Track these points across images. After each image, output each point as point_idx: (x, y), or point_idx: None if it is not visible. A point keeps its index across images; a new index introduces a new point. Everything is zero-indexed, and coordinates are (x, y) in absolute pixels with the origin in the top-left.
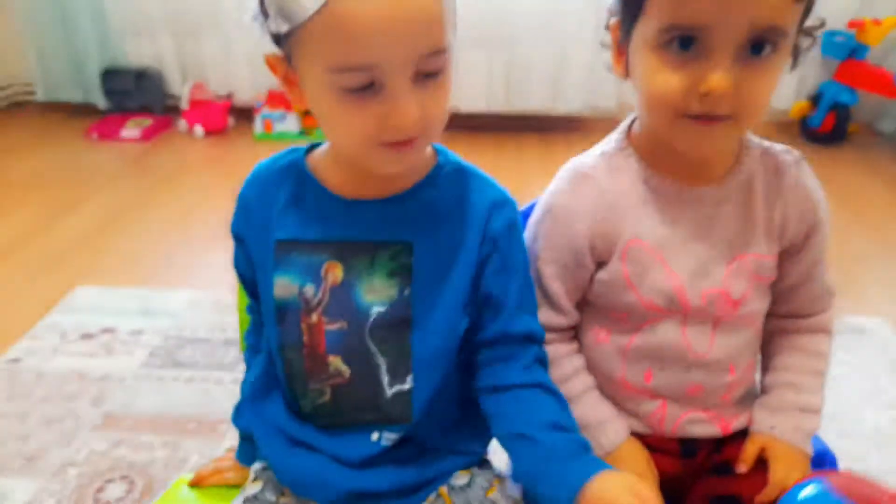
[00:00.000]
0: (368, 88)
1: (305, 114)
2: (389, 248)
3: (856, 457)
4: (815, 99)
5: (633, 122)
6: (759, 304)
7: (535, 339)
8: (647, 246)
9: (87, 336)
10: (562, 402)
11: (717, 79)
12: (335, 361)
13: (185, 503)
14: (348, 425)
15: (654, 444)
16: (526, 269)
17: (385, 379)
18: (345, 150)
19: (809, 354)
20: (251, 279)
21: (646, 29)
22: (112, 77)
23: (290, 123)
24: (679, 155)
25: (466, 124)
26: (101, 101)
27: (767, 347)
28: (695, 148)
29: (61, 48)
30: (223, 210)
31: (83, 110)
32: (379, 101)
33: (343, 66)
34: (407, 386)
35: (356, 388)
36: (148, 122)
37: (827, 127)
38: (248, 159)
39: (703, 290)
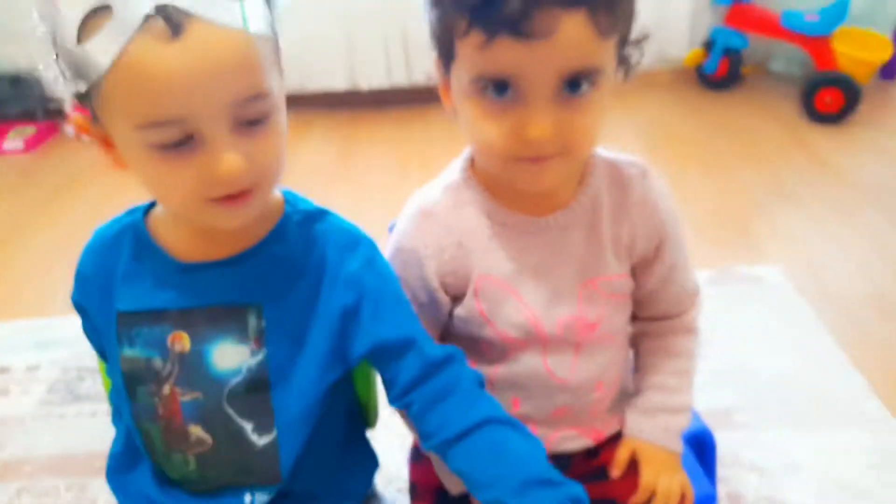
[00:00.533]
0: (185, 143)
1: None
2: (237, 311)
3: (757, 405)
4: (708, 45)
5: (470, 158)
6: (618, 319)
7: (457, 358)
8: (497, 281)
9: None
10: (522, 432)
11: (536, 127)
12: (195, 431)
13: None
14: (219, 489)
15: None
16: (405, 298)
17: (253, 438)
18: (174, 210)
19: (674, 355)
20: (101, 348)
21: (460, 74)
22: None
23: None
24: (518, 188)
25: (370, 101)
26: None
27: (637, 347)
28: (532, 185)
29: None
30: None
31: None
32: (198, 156)
33: (148, 121)
34: (275, 447)
35: (221, 454)
36: (31, 130)
37: (721, 72)
38: None
39: (559, 319)
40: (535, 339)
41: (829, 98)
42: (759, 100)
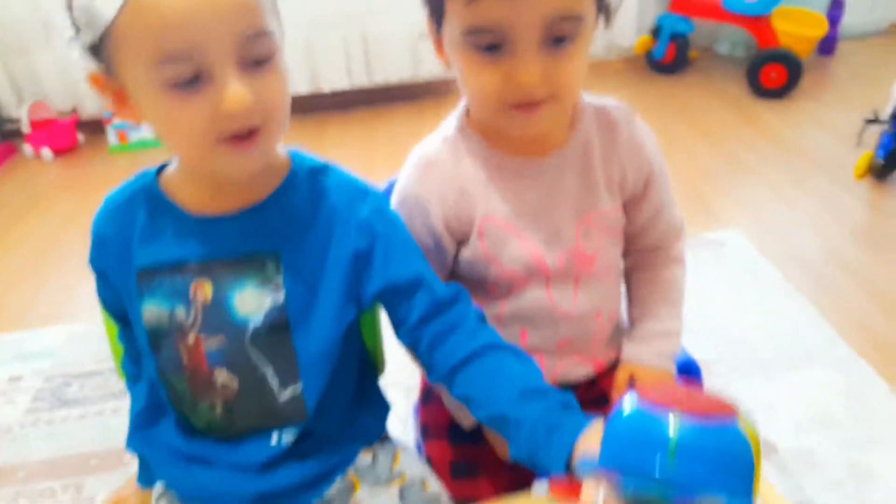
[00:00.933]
0: (195, 82)
1: None
2: (255, 260)
3: (730, 358)
4: (656, 32)
5: (465, 109)
6: (612, 254)
7: (463, 296)
8: (499, 221)
9: None
10: (518, 355)
11: (526, 73)
12: (221, 376)
13: None
14: (245, 434)
15: None
16: (413, 241)
17: (274, 383)
18: (186, 157)
19: (664, 285)
20: (120, 309)
21: (452, 30)
22: None
23: (146, 131)
24: (513, 134)
25: (335, 104)
26: None
27: (629, 282)
28: (524, 130)
29: None
30: (90, 233)
31: None
32: (208, 92)
33: (162, 56)
34: (298, 387)
35: (247, 398)
36: None
37: (670, 57)
38: (107, 175)
39: (559, 253)
40: (538, 274)
41: (774, 73)
42: (708, 81)
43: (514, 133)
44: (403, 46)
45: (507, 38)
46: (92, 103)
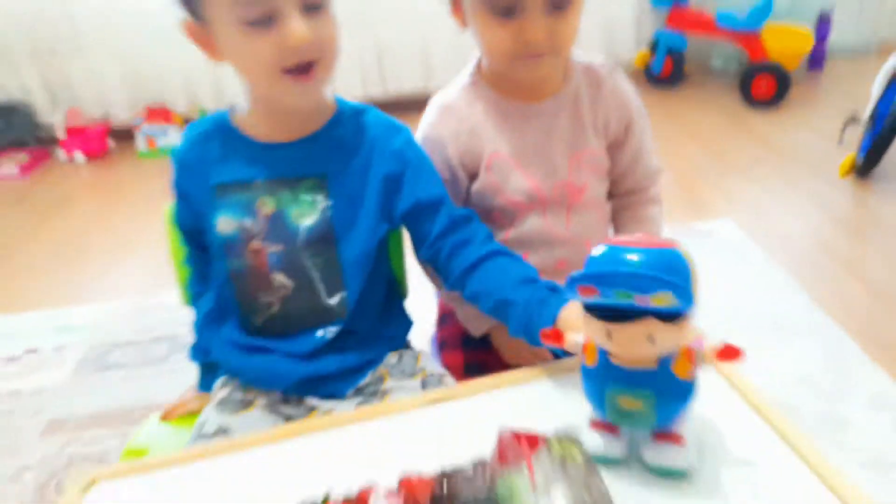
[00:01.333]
0: (266, 22)
1: (185, 125)
2: (308, 180)
3: (721, 333)
4: (653, 47)
5: (480, 58)
6: (599, 190)
7: (475, 217)
8: (504, 157)
9: (11, 359)
10: (517, 258)
11: (533, 32)
12: (279, 277)
13: (157, 435)
14: (295, 330)
15: None
16: (435, 170)
17: (321, 287)
18: (256, 88)
19: (644, 221)
20: (193, 228)
21: None
22: None
23: (173, 137)
24: (520, 81)
25: None
26: None
27: (615, 223)
28: (529, 75)
29: None
30: (119, 230)
31: None
32: (276, 30)
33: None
34: (341, 292)
35: (299, 298)
36: (24, 157)
37: (667, 72)
38: (135, 179)
39: (554, 184)
40: (536, 203)
41: (764, 85)
42: (703, 94)
43: (520, 78)
44: (414, 57)
45: (518, 4)
46: (122, 111)
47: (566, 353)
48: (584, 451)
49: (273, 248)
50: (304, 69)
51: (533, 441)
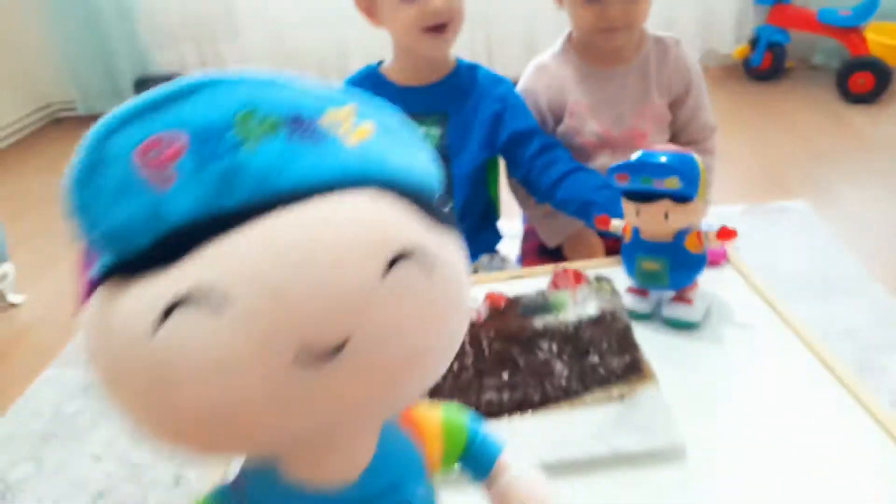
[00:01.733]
0: None
1: None
2: (434, 115)
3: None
4: (754, 42)
5: (570, 32)
6: (659, 138)
7: (560, 144)
8: (583, 106)
9: None
10: (594, 172)
11: (614, 12)
12: None
13: None
14: None
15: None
16: (529, 110)
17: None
18: (401, 41)
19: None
20: None
21: None
22: (146, 86)
23: None
24: (600, 49)
25: None
26: None
27: None
28: (606, 45)
29: (95, 62)
30: None
31: None
32: (421, 2)
33: None
34: (449, 199)
35: None
36: None
37: (766, 65)
38: None
39: (622, 131)
40: (606, 144)
41: (863, 80)
42: (801, 89)
43: (600, 47)
44: (522, 51)
45: None
46: None
47: (613, 235)
48: (613, 287)
49: None
50: (439, 29)
51: (578, 277)
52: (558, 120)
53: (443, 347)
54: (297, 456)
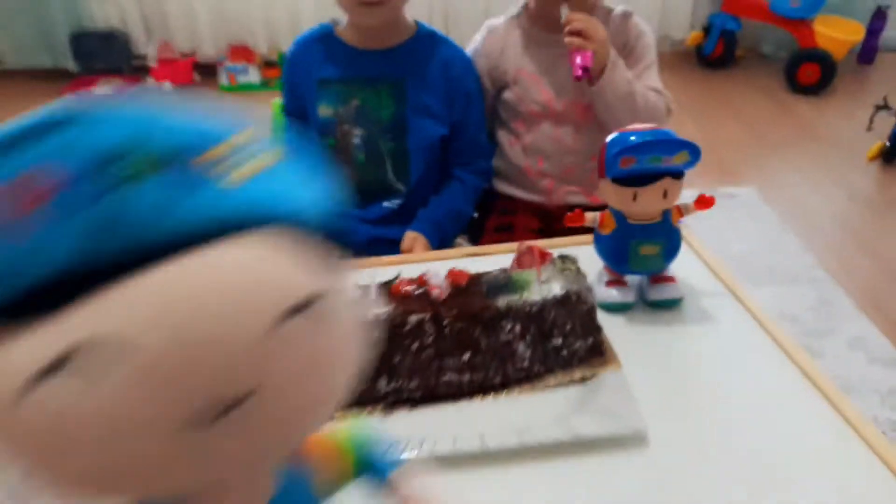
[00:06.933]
0: None
1: (264, 65)
2: (390, 82)
3: None
4: (707, 29)
5: (528, 1)
6: None
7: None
8: (527, 73)
9: None
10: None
11: None
12: (360, 156)
13: None
14: (367, 200)
15: (548, 209)
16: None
17: (390, 168)
18: (344, 10)
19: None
20: (298, 115)
21: None
22: (81, 40)
23: (252, 76)
24: (554, 19)
25: None
26: (70, 65)
27: None
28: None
29: (26, 13)
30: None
31: (53, 74)
32: None
33: None
34: (406, 171)
35: (372, 176)
36: (118, 82)
37: (718, 52)
38: None
39: (564, 99)
40: (550, 114)
41: (810, 71)
42: (750, 77)
43: (555, 16)
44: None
45: None
46: (208, 48)
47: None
48: (578, 267)
49: (357, 132)
50: (374, 3)
51: (543, 255)
52: (497, 85)
53: (337, 393)
54: (196, 499)
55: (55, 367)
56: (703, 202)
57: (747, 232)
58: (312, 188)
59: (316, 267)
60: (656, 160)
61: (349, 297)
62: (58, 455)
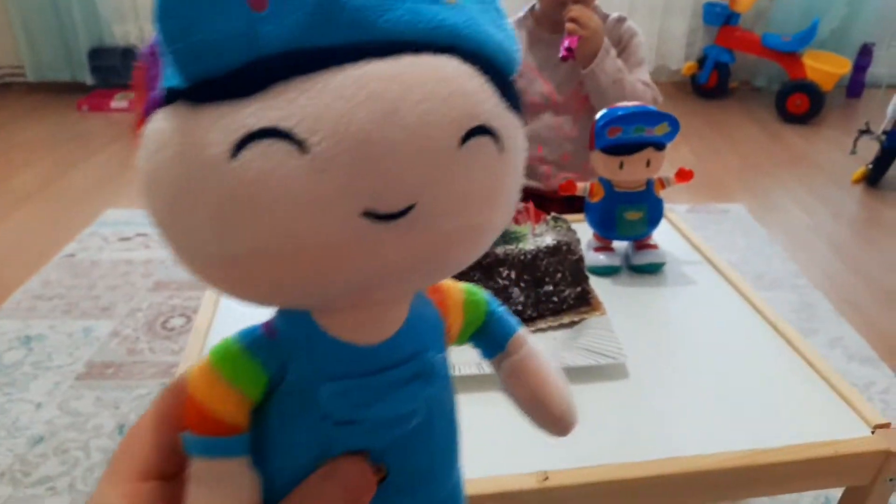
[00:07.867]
0: None
1: None
2: None
3: None
4: (702, 60)
5: (535, 4)
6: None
7: None
8: (530, 67)
9: (125, 238)
10: None
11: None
12: None
13: None
14: None
15: (545, 194)
16: None
17: None
18: None
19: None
20: None
21: None
22: (99, 55)
23: None
24: (557, 20)
25: None
26: (88, 78)
27: None
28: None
29: (51, 31)
30: None
31: (71, 87)
32: None
33: None
34: None
35: None
36: (133, 95)
37: (712, 83)
38: None
39: (564, 93)
40: (551, 105)
41: (799, 101)
42: (744, 107)
43: (558, 20)
44: None
45: None
46: None
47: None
48: (568, 224)
49: None
50: None
51: (538, 214)
52: None
53: (495, 227)
54: (335, 311)
55: (267, 133)
56: (683, 175)
57: (737, 244)
58: (501, 29)
59: (502, 101)
60: (640, 130)
61: (521, 139)
62: (254, 217)
